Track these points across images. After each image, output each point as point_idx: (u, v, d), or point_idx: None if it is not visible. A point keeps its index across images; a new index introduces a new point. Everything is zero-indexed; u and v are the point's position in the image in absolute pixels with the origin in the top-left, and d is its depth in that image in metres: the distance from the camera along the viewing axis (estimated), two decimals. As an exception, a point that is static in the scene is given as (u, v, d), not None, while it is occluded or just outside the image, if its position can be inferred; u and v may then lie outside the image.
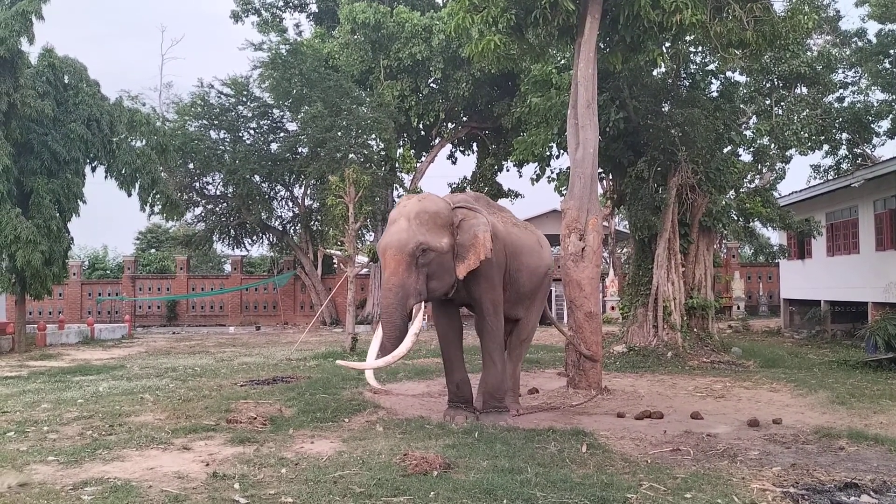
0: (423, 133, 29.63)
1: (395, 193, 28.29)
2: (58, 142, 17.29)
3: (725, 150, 16.04)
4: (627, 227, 20.64)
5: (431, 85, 26.97)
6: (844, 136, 24.65)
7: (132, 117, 19.11)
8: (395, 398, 9.96)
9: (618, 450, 6.72)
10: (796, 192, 20.34)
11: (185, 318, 30.85)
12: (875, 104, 24.64)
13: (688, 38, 13.75)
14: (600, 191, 18.19)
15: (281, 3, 32.09)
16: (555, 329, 10.97)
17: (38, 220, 16.53)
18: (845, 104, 24.49)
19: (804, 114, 19.76)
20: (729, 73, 16.83)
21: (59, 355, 16.87)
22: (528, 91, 17.26)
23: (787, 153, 20.78)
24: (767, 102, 18.85)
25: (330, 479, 5.56)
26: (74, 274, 30.02)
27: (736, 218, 16.48)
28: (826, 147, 24.65)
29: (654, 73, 15.67)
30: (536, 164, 20.76)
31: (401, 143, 28.67)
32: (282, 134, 28.31)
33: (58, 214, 17.31)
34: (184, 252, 32.16)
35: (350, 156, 25.23)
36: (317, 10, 31.84)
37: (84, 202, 18.43)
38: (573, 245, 10.49)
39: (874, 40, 24.92)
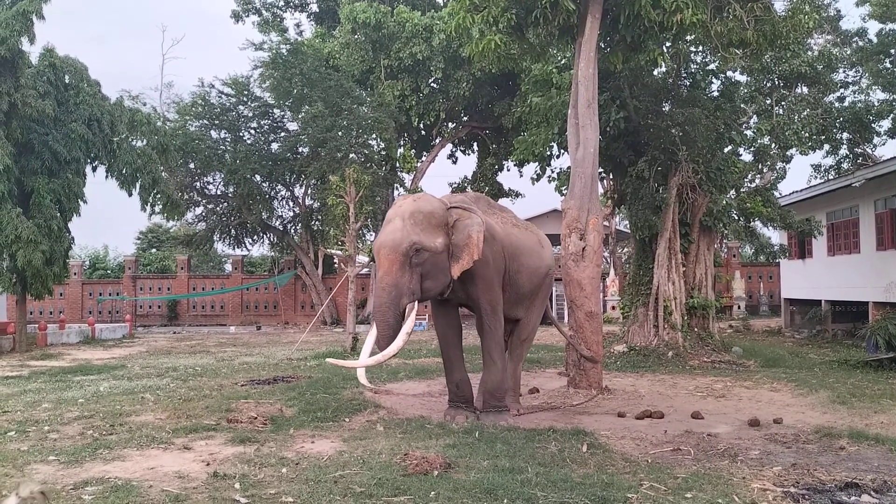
0: (423, 133, 29.63)
1: (396, 193, 28.27)
2: (58, 142, 17.30)
3: (726, 150, 16.04)
4: (628, 226, 20.63)
5: (432, 84, 26.98)
6: (845, 135, 24.61)
7: (133, 117, 19.12)
8: (396, 398, 9.96)
9: (618, 449, 6.72)
10: (797, 191, 20.33)
11: (185, 318, 30.87)
12: (876, 104, 24.60)
13: (688, 37, 13.75)
14: (601, 190, 18.18)
15: (281, 3, 32.10)
16: (555, 329, 10.95)
17: (38, 219, 16.54)
18: (846, 104, 24.45)
19: (805, 113, 19.75)
20: (729, 73, 16.84)
21: (59, 355, 16.88)
22: (528, 91, 17.27)
23: (787, 153, 20.76)
24: (768, 102, 18.84)
25: (330, 479, 5.56)
26: (75, 274, 30.04)
27: (736, 217, 16.47)
28: (827, 147, 24.60)
29: (655, 72, 15.67)
30: (537, 163, 20.78)
31: (401, 142, 28.68)
32: (282, 134, 28.32)
33: (58, 214, 17.31)
34: (184, 252, 32.18)
35: (351, 155, 25.25)
36: (317, 10, 31.85)
37: (85, 202, 18.44)
38: (574, 245, 10.49)
39: (875, 40, 24.89)
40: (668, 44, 13.76)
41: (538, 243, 9.22)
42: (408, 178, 28.76)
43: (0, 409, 9.05)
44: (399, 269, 7.32)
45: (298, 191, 29.80)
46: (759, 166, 19.07)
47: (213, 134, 27.55)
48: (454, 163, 31.67)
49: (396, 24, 24.84)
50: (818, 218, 19.33)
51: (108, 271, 35.51)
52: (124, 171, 18.68)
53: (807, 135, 20.00)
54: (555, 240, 15.42)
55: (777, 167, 21.52)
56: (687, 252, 15.26)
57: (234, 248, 30.99)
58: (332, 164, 23.97)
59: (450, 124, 29.75)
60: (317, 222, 29.24)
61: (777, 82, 18.91)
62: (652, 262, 15.09)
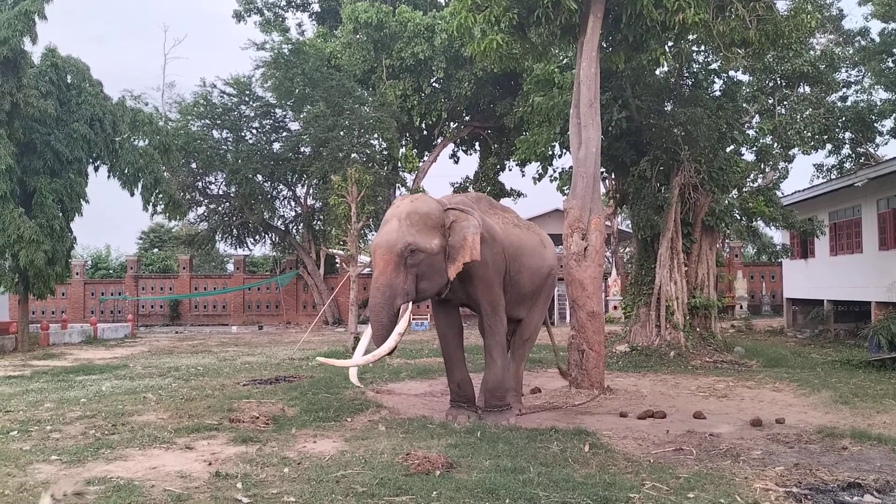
0: (425, 132, 29.63)
1: (398, 193, 28.27)
2: (61, 141, 17.32)
3: (728, 150, 16.02)
4: (630, 226, 20.63)
5: (434, 84, 26.98)
6: (847, 135, 24.58)
7: (135, 117, 19.14)
8: (398, 398, 9.96)
9: (620, 449, 6.71)
10: (799, 191, 20.30)
11: (187, 318, 30.90)
12: (878, 103, 24.56)
13: (690, 37, 13.72)
14: (603, 190, 18.19)
15: (283, 3, 32.13)
16: (559, 328, 10.95)
17: (41, 219, 16.56)
18: (848, 103, 24.42)
19: (807, 113, 19.72)
20: (732, 73, 16.80)
21: (62, 355, 16.89)
22: (530, 90, 17.25)
23: (790, 152, 20.72)
24: (770, 101, 18.81)
25: (332, 479, 5.56)
26: (77, 273, 30.08)
27: (739, 217, 16.46)
28: (829, 146, 24.57)
29: (657, 72, 15.65)
30: (539, 163, 20.77)
31: (403, 142, 28.69)
32: (284, 133, 28.33)
33: (61, 214, 17.33)
34: (186, 252, 32.20)
35: (352, 155, 25.25)
36: (319, 10, 31.87)
37: (87, 202, 18.46)
38: (576, 244, 10.48)
39: (877, 39, 24.85)
40: (670, 43, 13.74)
41: (540, 243, 9.22)
42: (409, 178, 28.80)
43: (2, 408, 9.06)
44: (394, 270, 7.35)
45: (300, 191, 29.83)
46: (762, 166, 19.04)
47: (215, 134, 27.58)
48: (456, 162, 31.70)
49: (398, 24, 24.85)
50: (820, 218, 19.31)
51: (111, 271, 35.55)
52: (126, 171, 18.70)
53: (809, 134, 19.97)
54: (557, 239, 15.42)
55: (779, 167, 21.49)
56: (689, 252, 15.25)
57: (236, 248, 31.04)
58: (334, 163, 23.97)
59: (451, 124, 29.75)
60: (319, 222, 29.24)
61: (779, 82, 18.88)
62: (654, 261, 15.08)
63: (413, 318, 24.75)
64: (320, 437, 7.28)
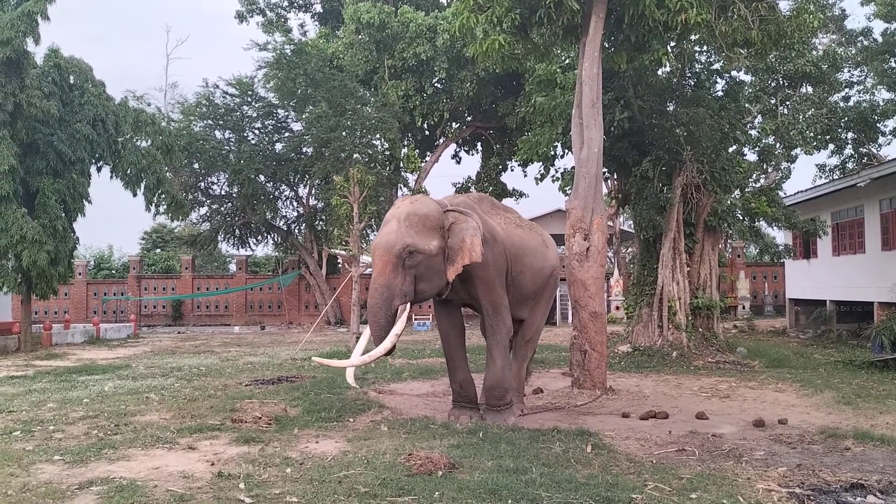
0: (427, 133, 29.65)
1: (400, 193, 28.32)
2: (63, 142, 17.36)
3: (730, 150, 15.99)
4: (632, 226, 20.60)
5: (436, 84, 27.00)
6: (850, 135, 24.54)
7: (137, 117, 19.18)
8: (400, 398, 9.97)
9: (623, 450, 6.71)
10: (802, 191, 20.27)
11: (190, 318, 30.94)
12: (881, 103, 24.52)
13: (693, 37, 13.70)
14: (605, 190, 18.18)
15: (285, 4, 32.18)
16: (561, 329, 10.94)
17: (43, 219, 16.59)
18: (851, 103, 24.38)
19: (809, 113, 19.69)
20: (734, 73, 16.78)
21: (64, 355, 16.91)
22: (532, 90, 17.25)
23: (792, 152, 20.72)
24: (773, 102, 18.80)
25: (335, 479, 5.57)
26: (80, 274, 30.13)
27: (741, 217, 16.43)
28: (831, 146, 24.54)
29: (659, 72, 15.63)
30: (541, 163, 20.73)
31: (405, 142, 28.72)
32: (286, 134, 28.35)
33: (63, 214, 17.37)
34: (189, 252, 32.22)
35: (354, 155, 25.27)
36: (321, 10, 31.91)
37: (89, 202, 18.51)
38: (578, 245, 10.48)
39: (880, 39, 24.82)
40: (672, 43, 13.72)
41: (542, 244, 9.21)
42: (412, 178, 28.82)
43: (5, 408, 9.07)
44: (392, 271, 7.36)
45: (302, 191, 29.86)
46: (764, 166, 19.02)
47: (218, 134, 27.61)
48: (458, 163, 31.74)
49: (400, 25, 24.87)
50: (823, 218, 19.27)
51: (113, 271, 35.59)
52: (129, 172, 18.74)
53: (811, 134, 19.95)
54: (559, 240, 15.42)
55: (782, 167, 21.50)
56: (691, 252, 15.23)
57: (238, 249, 31.08)
58: (336, 164, 23.99)
59: (453, 124, 29.78)
60: (321, 222, 29.27)
61: (782, 82, 18.87)
62: (656, 262, 15.07)
63: (415, 319, 25.02)
64: (323, 437, 7.29)
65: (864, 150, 25.15)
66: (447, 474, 5.65)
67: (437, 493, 5.15)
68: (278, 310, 30.96)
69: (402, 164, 28.28)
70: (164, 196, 19.71)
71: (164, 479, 5.70)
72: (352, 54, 26.09)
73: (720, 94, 16.32)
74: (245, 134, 27.93)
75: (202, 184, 28.39)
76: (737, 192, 16.59)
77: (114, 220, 50.78)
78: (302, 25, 33.82)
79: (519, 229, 8.87)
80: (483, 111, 28.34)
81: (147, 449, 6.74)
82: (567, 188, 16.92)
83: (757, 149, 17.82)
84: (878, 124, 24.31)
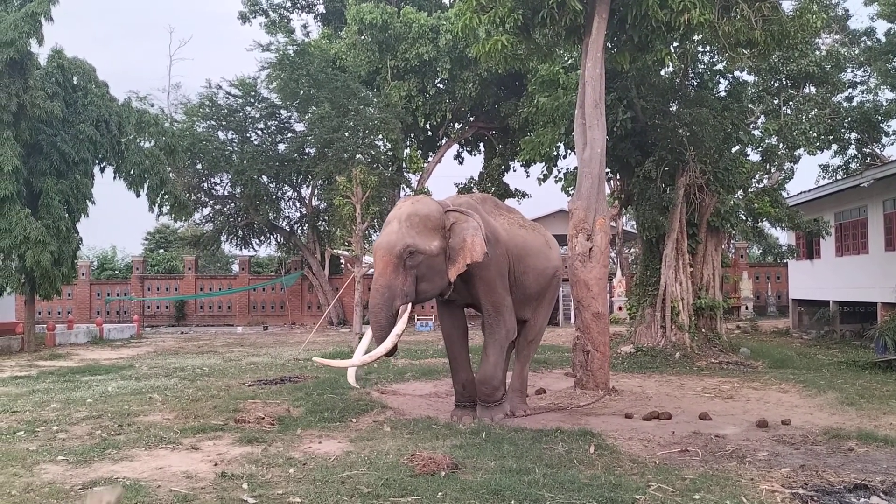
0: (429, 133, 29.65)
1: (403, 193, 28.31)
2: (67, 143, 17.39)
3: (734, 150, 15.98)
4: (635, 227, 20.61)
5: (438, 85, 27.00)
6: (853, 135, 24.47)
7: (141, 118, 19.21)
8: (403, 398, 9.97)
9: (626, 451, 6.70)
10: (805, 192, 20.25)
11: (193, 318, 30.97)
12: (884, 104, 24.42)
13: (696, 37, 13.70)
14: (608, 191, 18.19)
15: (288, 4, 32.20)
16: (563, 329, 10.94)
17: (47, 220, 16.63)
18: (854, 104, 24.30)
19: (813, 113, 19.63)
20: (737, 73, 16.77)
21: (68, 355, 16.94)
22: (535, 91, 17.25)
23: (795, 153, 20.64)
24: (776, 102, 18.75)
25: (338, 479, 5.57)
26: (83, 274, 30.17)
27: (744, 218, 16.42)
28: (835, 147, 24.47)
29: (662, 72, 15.63)
30: (544, 164, 20.74)
31: (408, 143, 28.72)
32: (289, 134, 28.39)
33: (67, 215, 17.41)
34: (192, 252, 32.26)
35: (357, 156, 25.27)
36: (324, 11, 31.93)
37: (93, 203, 18.54)
38: (581, 245, 10.48)
39: (883, 39, 24.74)
40: (675, 44, 13.69)
41: (545, 244, 9.21)
42: (414, 179, 28.80)
43: (9, 409, 9.10)
44: (393, 271, 7.40)
45: (305, 191, 29.87)
46: (767, 166, 18.98)
47: (221, 135, 27.65)
48: (460, 163, 31.72)
49: (403, 25, 24.87)
50: (826, 218, 19.25)
51: (116, 272, 35.63)
52: (132, 172, 18.77)
53: (815, 135, 19.89)
54: (561, 240, 15.42)
55: (785, 167, 21.41)
56: (694, 252, 15.22)
57: (241, 249, 31.11)
58: (339, 164, 24.00)
59: (456, 125, 29.77)
60: (323, 223, 29.29)
61: (785, 82, 18.82)
62: (659, 262, 15.05)
63: (418, 319, 25.01)
64: (325, 437, 7.29)
65: (868, 150, 25.08)
66: (450, 475, 5.65)
67: (439, 493, 5.16)
68: (281, 310, 30.98)
69: (404, 165, 28.27)
70: (167, 196, 19.75)
71: (167, 479, 5.72)
72: (354, 55, 26.09)
73: (723, 94, 16.31)
74: (248, 134, 27.96)
75: (205, 184, 28.43)
76: (740, 192, 16.58)
77: (117, 221, 50.85)
78: (305, 26, 33.81)
79: (522, 230, 8.87)
80: (486, 111, 28.33)
81: (150, 449, 6.76)
82: (570, 188, 16.94)
83: (760, 149, 17.80)
84: (881, 124, 24.23)
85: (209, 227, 30.04)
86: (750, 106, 17.54)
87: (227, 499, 5.17)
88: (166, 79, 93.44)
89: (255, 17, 31.75)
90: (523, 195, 30.85)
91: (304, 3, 32.37)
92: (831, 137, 22.45)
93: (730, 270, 26.22)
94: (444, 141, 29.84)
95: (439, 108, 26.71)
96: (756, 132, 17.92)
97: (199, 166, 27.21)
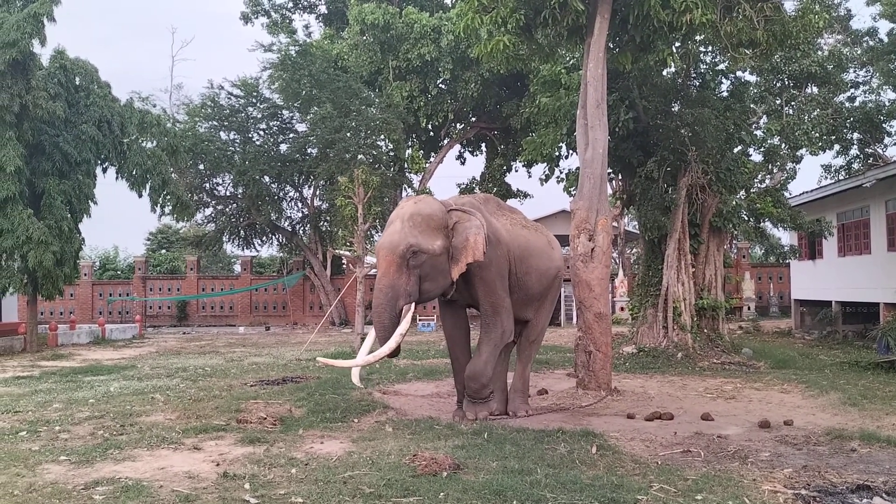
0: (431, 133, 29.66)
1: (404, 194, 28.34)
2: (69, 143, 17.41)
3: (736, 150, 15.96)
4: (637, 227, 20.57)
5: (440, 85, 27.02)
6: (856, 135, 24.46)
7: (143, 118, 19.23)
8: (405, 398, 9.97)
9: (628, 451, 6.70)
10: (807, 192, 20.22)
11: (195, 319, 31.00)
12: (887, 104, 24.42)
13: (698, 37, 13.70)
14: (610, 191, 18.16)
15: (290, 5, 32.21)
16: (565, 329, 10.94)
17: (49, 220, 16.65)
18: (856, 104, 24.29)
19: (815, 113, 19.64)
20: (739, 73, 16.76)
21: (70, 355, 16.96)
22: (537, 91, 17.25)
23: (797, 153, 20.64)
24: (778, 102, 18.75)
25: (340, 480, 5.57)
26: (85, 274, 30.20)
27: (746, 218, 16.39)
28: (837, 147, 24.46)
29: (664, 72, 15.62)
30: (545, 164, 20.74)
31: (409, 143, 28.72)
32: (291, 135, 28.41)
33: (69, 215, 17.43)
34: (194, 252, 32.31)
35: (359, 156, 25.30)
36: (326, 12, 31.94)
37: (95, 203, 18.57)
38: (583, 245, 10.47)
39: (885, 39, 24.73)
40: (677, 44, 13.69)
41: (548, 244, 9.20)
42: (416, 179, 28.82)
43: (11, 409, 9.11)
44: (396, 271, 7.40)
45: (307, 192, 29.91)
46: (769, 167, 18.97)
47: (223, 135, 27.69)
48: (462, 164, 31.72)
49: (405, 26, 24.88)
50: (828, 218, 19.23)
51: (119, 272, 35.68)
52: (134, 173, 18.79)
53: (817, 135, 19.90)
54: (563, 240, 15.41)
55: (787, 167, 21.40)
56: (696, 253, 15.20)
57: (243, 249, 31.14)
58: (341, 165, 24.02)
59: (458, 125, 29.78)
60: (325, 223, 29.31)
61: (787, 82, 18.82)
62: (661, 262, 15.04)
63: (420, 319, 25.00)
64: (327, 437, 7.29)
65: (870, 150, 25.07)
66: (452, 475, 5.65)
67: (441, 493, 5.15)
68: (283, 310, 31.00)
69: (406, 165, 28.29)
70: (169, 197, 19.76)
71: (169, 479, 5.72)
72: (356, 55, 26.10)
73: (725, 94, 16.29)
74: (250, 135, 27.99)
75: (207, 185, 28.47)
76: (742, 192, 16.55)
77: (119, 221, 50.95)
78: (307, 26, 33.81)
79: (524, 230, 8.87)
80: (487, 112, 28.34)
81: (152, 449, 6.76)
82: (572, 189, 16.93)
83: (762, 149, 17.79)
84: (883, 124, 24.22)
85: (211, 227, 30.07)
86: (752, 106, 17.53)
87: (229, 499, 5.17)
88: (168, 79, 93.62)
89: (256, 18, 31.78)
90: (525, 195, 30.87)
91: (305, 3, 32.40)
92: (833, 138, 22.46)
93: (732, 271, 26.22)
94: (445, 141, 29.85)
95: (441, 108, 26.72)
96: (758, 132, 17.91)
97: (202, 167, 27.25)
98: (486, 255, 7.58)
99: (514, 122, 25.31)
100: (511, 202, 26.67)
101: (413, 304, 7.64)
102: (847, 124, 22.90)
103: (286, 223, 30.22)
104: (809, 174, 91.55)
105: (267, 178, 27.51)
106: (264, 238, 30.73)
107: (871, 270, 17.48)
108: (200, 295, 30.85)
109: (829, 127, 20.69)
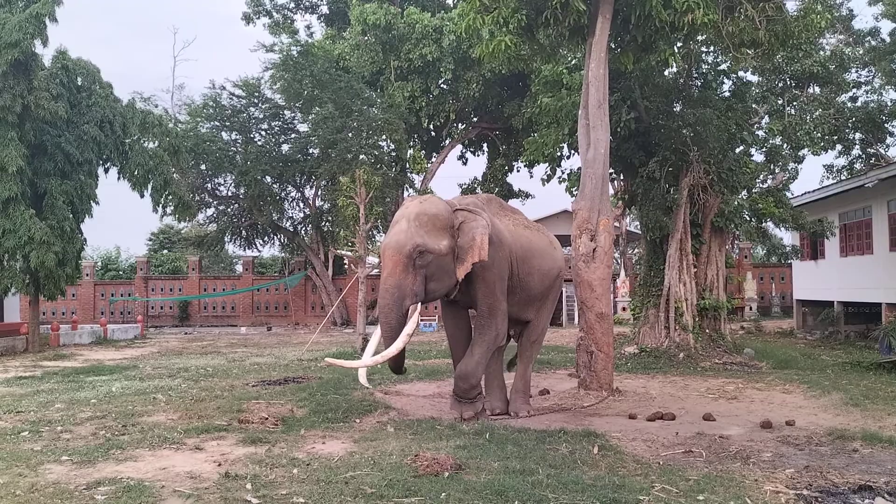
0: (433, 134, 29.65)
1: (406, 194, 28.32)
2: (71, 143, 17.43)
3: (738, 150, 15.97)
4: (639, 227, 20.57)
5: (442, 86, 26.99)
6: (857, 135, 24.47)
7: (145, 119, 19.24)
8: (406, 399, 9.97)
9: (629, 451, 6.70)
10: (809, 192, 20.20)
11: (197, 319, 31.01)
12: (889, 104, 24.42)
13: (700, 37, 13.69)
14: (612, 191, 18.15)
15: (292, 5, 32.19)
16: (567, 329, 10.94)
17: (51, 221, 16.66)
18: (858, 104, 24.29)
19: (817, 113, 19.63)
20: (741, 73, 16.75)
21: (72, 355, 16.98)
22: (538, 91, 17.22)
23: (799, 153, 20.66)
24: (780, 102, 18.74)
25: (341, 480, 5.57)
26: (87, 275, 30.23)
27: (748, 218, 16.39)
28: (839, 147, 24.47)
29: (666, 73, 15.60)
30: (547, 164, 20.69)
31: (411, 143, 28.70)
32: (293, 135, 28.41)
33: (71, 215, 17.43)
34: (196, 253, 32.34)
35: (361, 157, 25.28)
36: (328, 12, 31.92)
37: (97, 203, 18.57)
38: (584, 246, 10.46)
39: (888, 39, 24.72)
40: (679, 44, 13.70)
41: (549, 245, 9.20)
42: (418, 180, 28.81)
43: (14, 409, 9.12)
44: (402, 271, 7.38)
45: (309, 192, 29.91)
46: (771, 167, 18.97)
47: (224, 135, 27.70)
48: (464, 164, 31.70)
49: (406, 26, 24.87)
50: (830, 219, 19.21)
51: (120, 272, 35.72)
52: (136, 173, 18.79)
53: (819, 135, 19.88)
54: (565, 241, 15.40)
55: (789, 167, 21.42)
56: (698, 253, 15.19)
57: (244, 250, 31.16)
58: (343, 165, 24.01)
59: (460, 125, 29.76)
60: (327, 223, 29.31)
61: (789, 82, 18.81)
62: (663, 263, 15.04)
63: (421, 320, 24.88)
64: (329, 437, 7.29)
65: (872, 150, 25.06)
66: (453, 475, 5.64)
67: (443, 494, 5.15)
68: (285, 311, 31.02)
69: (408, 166, 28.29)
70: (171, 197, 19.78)
71: (171, 479, 5.72)
72: (358, 55, 26.09)
73: (727, 94, 16.29)
74: (252, 135, 28.01)
75: (209, 185, 28.49)
76: (744, 192, 16.55)
77: (121, 222, 51.01)
78: (308, 27, 33.79)
79: (527, 231, 8.87)
80: (489, 112, 28.32)
81: (154, 449, 6.77)
82: (573, 189, 16.88)
83: (764, 149, 17.78)
84: (885, 125, 24.22)
85: (213, 227, 30.09)
86: (754, 106, 17.54)
87: (231, 499, 5.17)
88: (170, 79, 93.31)
89: (258, 18, 31.76)
90: (527, 196, 30.84)
91: (307, 3, 32.38)
92: (835, 138, 22.45)
93: (734, 271, 26.15)
94: (447, 141, 29.84)
95: (443, 108, 26.72)
96: (760, 132, 17.91)
97: (203, 167, 27.25)
98: (489, 255, 7.58)
99: (516, 122, 25.29)
100: (513, 202, 26.71)
101: (419, 305, 7.64)
102: (849, 124, 22.90)
103: (288, 223, 30.23)
104: (811, 174, 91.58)
105: (269, 179, 27.52)
106: (266, 238, 30.75)
107: (873, 271, 17.46)
108: (202, 295, 30.88)
109: (831, 127, 20.68)
